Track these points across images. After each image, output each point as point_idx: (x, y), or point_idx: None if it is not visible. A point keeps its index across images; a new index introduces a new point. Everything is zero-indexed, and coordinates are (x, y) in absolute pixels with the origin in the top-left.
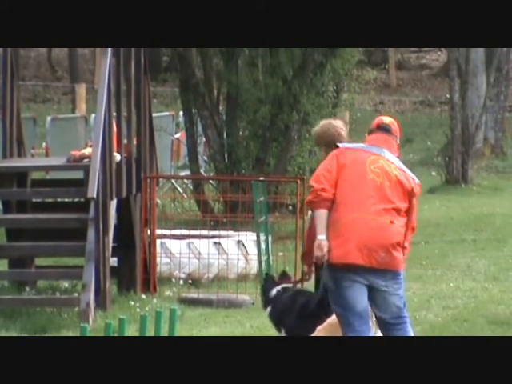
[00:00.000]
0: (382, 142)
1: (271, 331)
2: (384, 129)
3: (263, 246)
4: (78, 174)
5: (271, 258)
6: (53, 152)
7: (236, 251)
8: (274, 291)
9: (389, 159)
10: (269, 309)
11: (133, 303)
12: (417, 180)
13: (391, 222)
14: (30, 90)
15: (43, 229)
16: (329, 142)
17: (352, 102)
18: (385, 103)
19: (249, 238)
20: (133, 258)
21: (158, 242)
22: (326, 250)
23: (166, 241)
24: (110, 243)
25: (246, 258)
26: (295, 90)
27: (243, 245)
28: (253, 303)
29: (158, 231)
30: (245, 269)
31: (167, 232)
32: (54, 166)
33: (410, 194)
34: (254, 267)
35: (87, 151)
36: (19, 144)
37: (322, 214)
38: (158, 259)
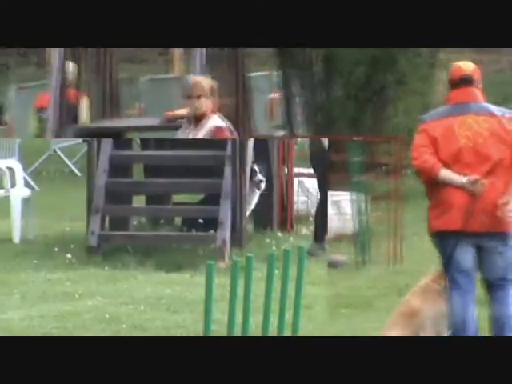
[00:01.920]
0: (468, 97)
1: (364, 292)
2: (467, 81)
3: (359, 205)
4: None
5: (367, 217)
6: (148, 112)
7: (332, 211)
8: None
9: (477, 112)
10: None
11: (269, 241)
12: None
13: (491, 184)
14: (126, 51)
15: (180, 166)
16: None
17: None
18: (483, 62)
19: (345, 197)
20: (270, 196)
21: (296, 180)
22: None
23: (304, 179)
24: (247, 181)
25: (341, 218)
26: (392, 50)
27: (339, 205)
28: (348, 263)
29: (296, 169)
30: (340, 228)
31: (305, 171)
32: (149, 126)
33: (509, 136)
34: (349, 227)
35: (182, 112)
36: (114, 104)
37: (443, 173)
38: (295, 198)
